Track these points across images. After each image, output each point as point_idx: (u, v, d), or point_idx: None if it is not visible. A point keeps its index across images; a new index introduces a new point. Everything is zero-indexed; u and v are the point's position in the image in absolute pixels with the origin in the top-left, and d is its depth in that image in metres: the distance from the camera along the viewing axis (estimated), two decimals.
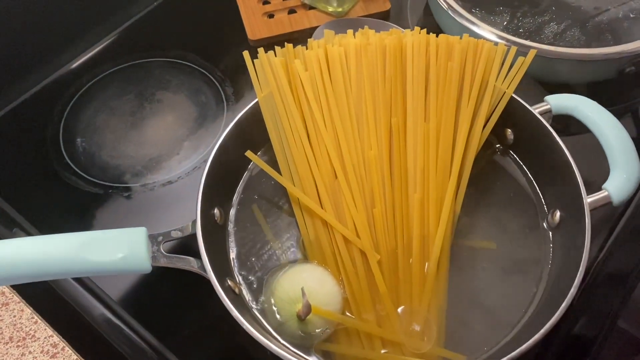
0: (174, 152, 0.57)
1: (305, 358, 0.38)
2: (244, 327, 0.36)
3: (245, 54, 0.47)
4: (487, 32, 0.56)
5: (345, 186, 0.43)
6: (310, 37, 0.61)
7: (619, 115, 0.46)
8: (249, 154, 0.45)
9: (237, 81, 0.63)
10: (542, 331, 0.36)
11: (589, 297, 0.44)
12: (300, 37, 0.65)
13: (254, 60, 0.47)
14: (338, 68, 0.45)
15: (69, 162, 0.57)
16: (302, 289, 0.37)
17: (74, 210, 0.54)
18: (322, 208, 0.43)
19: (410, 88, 0.45)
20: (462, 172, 0.45)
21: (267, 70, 0.46)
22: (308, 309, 0.37)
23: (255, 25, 0.66)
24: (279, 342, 0.39)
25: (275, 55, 0.47)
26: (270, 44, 0.48)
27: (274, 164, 0.46)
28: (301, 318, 0.38)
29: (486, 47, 0.46)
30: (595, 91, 0.53)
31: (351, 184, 0.43)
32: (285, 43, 0.48)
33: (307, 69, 0.46)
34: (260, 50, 0.47)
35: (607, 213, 0.46)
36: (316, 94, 0.45)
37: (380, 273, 0.41)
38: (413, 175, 0.44)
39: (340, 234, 0.41)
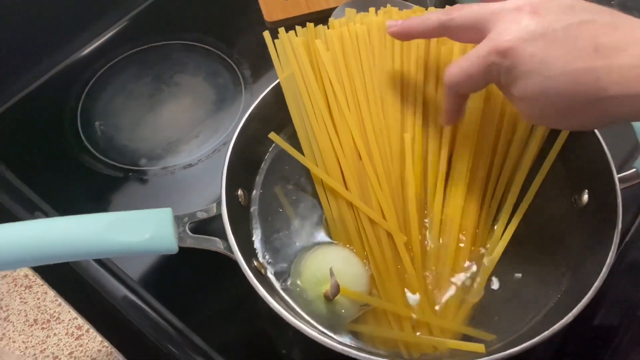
0: (192, 134, 0.57)
1: (332, 337, 0.38)
2: (273, 306, 0.36)
3: (266, 34, 0.46)
4: None
5: (369, 167, 0.42)
6: (328, 18, 0.60)
7: None
8: (272, 135, 0.45)
9: (254, 63, 0.62)
10: (574, 311, 0.36)
11: (609, 286, 0.44)
12: (317, 18, 0.64)
13: (275, 41, 0.47)
14: (362, 47, 0.45)
15: (88, 145, 0.56)
16: (331, 269, 0.37)
17: (94, 193, 0.54)
18: (346, 189, 0.42)
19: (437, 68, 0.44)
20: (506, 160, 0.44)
21: (288, 51, 0.46)
22: (336, 289, 0.37)
23: (271, 7, 0.65)
24: (306, 321, 0.39)
25: (297, 35, 0.46)
26: (287, 25, 0.47)
27: (296, 145, 0.45)
28: (329, 298, 0.37)
29: None
30: None
31: (376, 165, 0.42)
32: (307, 23, 0.47)
33: (328, 48, 0.45)
34: (281, 30, 0.46)
35: (628, 200, 0.45)
36: (338, 74, 0.44)
37: (407, 254, 0.40)
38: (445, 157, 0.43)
39: (366, 215, 0.41)
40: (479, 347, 0.37)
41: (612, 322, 0.44)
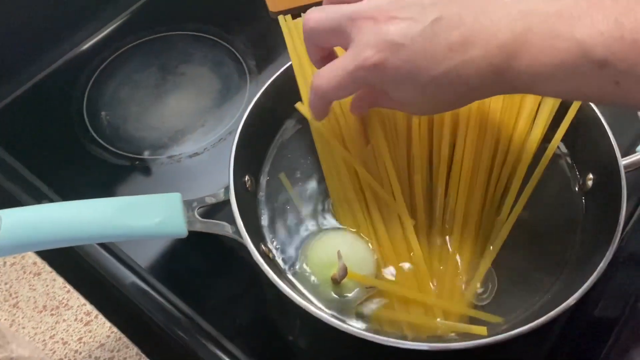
0: (198, 124, 0.57)
1: (341, 318, 0.38)
2: (281, 288, 0.36)
3: (281, 18, 0.47)
4: None
5: (383, 147, 0.43)
6: None
7: None
8: (298, 105, 0.45)
9: (259, 53, 0.62)
10: (577, 295, 0.36)
11: (609, 277, 0.44)
12: None
13: (293, 22, 0.47)
14: None
15: (94, 135, 0.57)
16: (338, 252, 0.37)
17: (101, 182, 0.54)
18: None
19: None
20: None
21: None
22: (344, 271, 0.37)
23: None
24: (315, 304, 0.39)
25: None
26: (291, 15, 0.48)
27: (305, 132, 0.46)
28: (336, 281, 0.38)
29: None
30: None
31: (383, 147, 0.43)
32: None
33: None
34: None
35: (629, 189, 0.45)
36: None
37: (415, 237, 0.41)
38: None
39: (372, 198, 0.42)
40: (482, 330, 0.38)
41: (612, 313, 0.44)
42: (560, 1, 0.29)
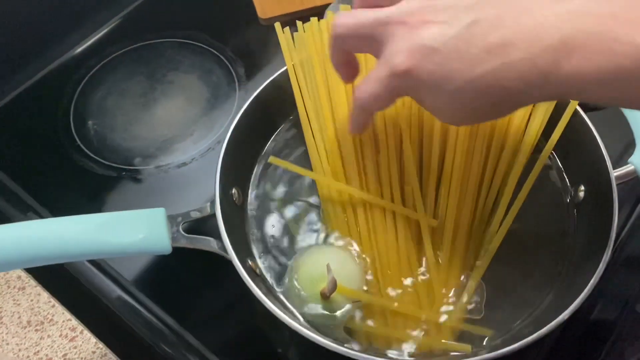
0: (187, 133, 0.56)
1: (324, 334, 0.38)
2: (267, 305, 0.36)
3: (277, 25, 0.47)
4: None
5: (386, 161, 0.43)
6: (321, 14, 0.60)
7: None
8: (272, 159, 0.45)
9: (248, 61, 0.62)
10: (571, 308, 0.36)
11: (606, 281, 0.44)
12: (311, 15, 0.64)
13: (284, 30, 0.47)
14: None
15: (81, 145, 0.56)
16: (328, 265, 0.36)
17: (88, 193, 0.54)
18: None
19: None
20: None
21: (307, 36, 0.46)
22: (334, 285, 0.36)
23: (265, 4, 0.64)
24: (301, 321, 0.39)
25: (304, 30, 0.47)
26: (281, 22, 0.47)
27: (295, 139, 0.45)
28: (326, 296, 0.37)
29: None
30: None
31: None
32: (327, 11, 0.47)
33: None
34: (298, 22, 0.47)
35: (624, 195, 0.44)
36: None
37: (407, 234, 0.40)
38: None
39: (362, 209, 0.41)
40: (466, 348, 0.37)
41: (609, 316, 0.43)
42: (613, 3, 0.27)
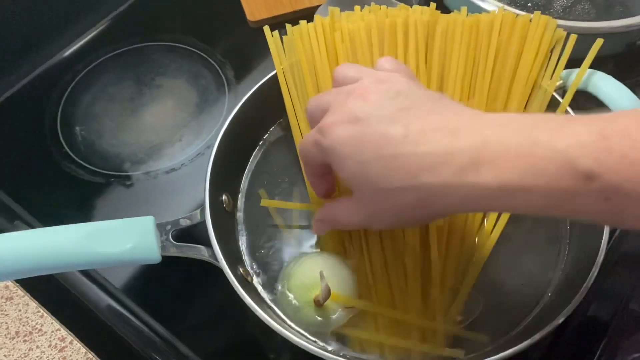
0: (175, 138, 0.56)
1: (317, 342, 0.37)
2: (258, 314, 0.35)
3: (266, 29, 0.46)
4: (492, 6, 0.55)
5: None
6: (311, 16, 0.60)
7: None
8: (264, 202, 0.44)
9: (237, 64, 0.61)
10: (565, 311, 0.35)
11: (601, 279, 0.44)
12: (300, 17, 0.63)
13: (273, 33, 0.47)
14: (365, 43, 0.44)
15: (69, 151, 0.55)
16: (321, 272, 0.36)
17: (76, 200, 0.53)
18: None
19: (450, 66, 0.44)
20: None
21: (296, 39, 0.45)
22: (327, 292, 0.36)
23: (254, 6, 0.64)
24: (293, 329, 0.38)
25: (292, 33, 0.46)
26: (269, 24, 0.47)
27: (285, 142, 0.44)
28: (319, 303, 0.37)
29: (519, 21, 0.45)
30: (602, 65, 0.52)
31: None
32: (316, 15, 0.46)
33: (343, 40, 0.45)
34: (288, 26, 0.46)
35: None
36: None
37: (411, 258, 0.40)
38: None
39: None
40: (458, 353, 0.37)
41: (604, 315, 0.43)
42: (534, 115, 0.28)
